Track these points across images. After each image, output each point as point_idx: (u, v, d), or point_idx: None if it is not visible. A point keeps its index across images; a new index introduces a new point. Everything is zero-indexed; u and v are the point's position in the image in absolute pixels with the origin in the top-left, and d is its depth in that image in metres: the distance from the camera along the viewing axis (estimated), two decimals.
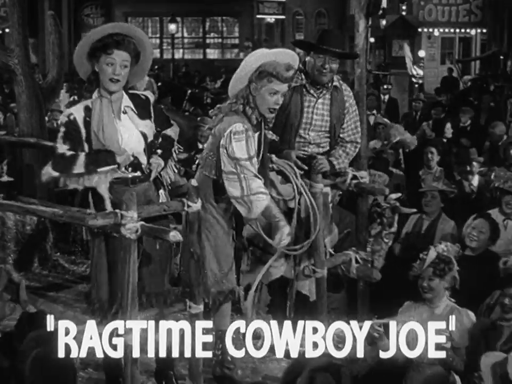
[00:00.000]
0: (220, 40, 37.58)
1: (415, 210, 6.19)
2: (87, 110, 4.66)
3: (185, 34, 37.24)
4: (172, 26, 32.83)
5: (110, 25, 4.79)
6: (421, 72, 20.80)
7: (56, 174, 4.63)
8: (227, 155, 4.80)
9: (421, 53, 32.64)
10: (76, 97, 15.49)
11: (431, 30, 33.13)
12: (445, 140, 11.05)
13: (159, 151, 4.85)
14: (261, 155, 5.03)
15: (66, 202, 6.38)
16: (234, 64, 5.10)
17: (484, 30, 32.07)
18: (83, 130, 4.63)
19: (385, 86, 17.25)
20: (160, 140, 4.89)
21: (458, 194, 8.31)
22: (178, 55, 35.58)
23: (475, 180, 8.65)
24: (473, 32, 33.63)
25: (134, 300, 4.42)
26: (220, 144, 4.84)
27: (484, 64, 28.35)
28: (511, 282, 5.23)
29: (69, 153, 4.60)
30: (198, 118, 10.52)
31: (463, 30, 33.41)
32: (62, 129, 4.64)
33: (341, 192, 6.53)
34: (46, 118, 10.98)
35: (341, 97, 5.61)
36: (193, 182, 4.75)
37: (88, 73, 4.74)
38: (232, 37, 37.57)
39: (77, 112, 4.66)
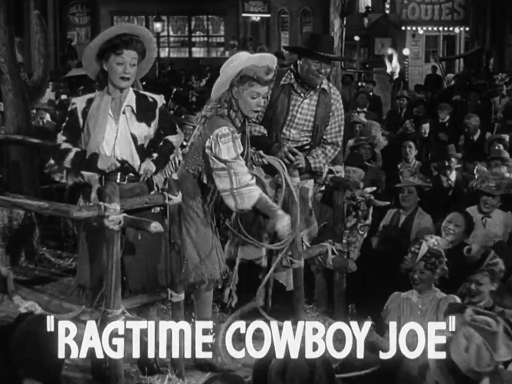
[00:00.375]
0: (205, 38, 37.68)
1: (388, 203, 6.40)
2: (89, 102, 4.87)
3: (171, 33, 37.31)
4: (158, 25, 32.85)
5: (118, 26, 5.07)
6: (396, 70, 20.94)
7: (52, 162, 4.84)
8: (215, 157, 4.99)
9: (406, 51, 32.79)
10: (65, 96, 15.67)
11: (414, 28, 33.33)
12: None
13: (155, 155, 4.95)
14: (246, 155, 5.24)
15: (53, 199, 6.56)
16: (219, 63, 5.28)
17: (467, 28, 32.30)
18: (81, 121, 4.84)
19: (360, 84, 17.47)
20: (161, 143, 5.01)
21: (435, 188, 8.54)
22: (164, 53, 35.63)
23: (453, 175, 8.86)
24: (457, 30, 33.83)
25: (117, 288, 4.61)
26: (206, 146, 5.03)
27: (467, 62, 28.62)
28: (476, 269, 5.48)
29: (64, 145, 4.80)
30: (183, 116, 10.71)
31: (447, 28, 33.64)
32: (66, 118, 4.87)
33: (323, 189, 6.77)
34: (32, 116, 11.15)
35: (328, 100, 5.85)
36: (174, 176, 4.97)
37: (96, 72, 4.93)
38: (218, 35, 37.68)
39: (79, 102, 4.87)
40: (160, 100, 5.07)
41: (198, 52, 37.36)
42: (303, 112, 5.78)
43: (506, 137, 9.78)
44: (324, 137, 5.91)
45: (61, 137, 4.83)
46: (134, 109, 4.92)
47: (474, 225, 7.05)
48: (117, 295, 4.63)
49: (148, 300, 5.03)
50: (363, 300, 6.28)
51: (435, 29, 33.81)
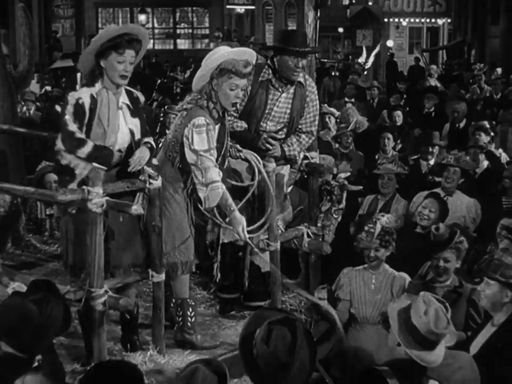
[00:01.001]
0: (190, 30, 37.77)
1: (361, 187, 6.61)
2: (93, 98, 5.04)
3: (156, 25, 37.41)
4: (142, 17, 32.97)
5: (121, 26, 5.23)
6: (368, 63, 21.14)
7: (63, 148, 5.01)
8: (188, 146, 5.23)
9: (389, 43, 33.05)
10: (48, 88, 15.79)
11: (397, 20, 33.56)
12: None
13: (148, 144, 5.21)
14: (224, 145, 5.49)
15: (40, 187, 6.74)
16: (203, 54, 5.50)
17: (450, 20, 32.58)
18: (87, 116, 5.03)
19: (333, 73, 17.68)
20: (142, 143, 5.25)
21: (412, 175, 8.79)
22: (148, 45, 35.71)
23: (432, 162, 9.08)
24: (440, 22, 34.11)
25: (100, 268, 4.84)
26: (184, 134, 5.27)
27: (449, 54, 28.87)
28: (443, 247, 5.74)
29: (79, 135, 4.97)
30: (166, 106, 10.94)
31: (430, 20, 33.89)
32: (71, 109, 5.00)
33: (299, 175, 7.00)
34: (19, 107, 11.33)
35: (304, 92, 6.08)
36: (154, 161, 5.20)
37: (88, 67, 5.15)
38: (203, 27, 37.79)
39: (85, 98, 5.03)
40: (141, 96, 5.35)
41: (182, 44, 37.45)
42: (280, 106, 6.02)
43: (485, 123, 10.03)
44: (299, 126, 6.14)
45: (73, 126, 4.98)
46: (129, 104, 5.17)
47: (449, 211, 7.24)
48: (100, 275, 4.85)
49: (130, 280, 5.25)
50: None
51: (418, 20, 34.06)
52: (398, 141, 10.37)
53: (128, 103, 5.17)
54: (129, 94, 5.22)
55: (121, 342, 5.42)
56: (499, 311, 4.98)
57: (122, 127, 5.12)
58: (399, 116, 11.50)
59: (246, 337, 3.59)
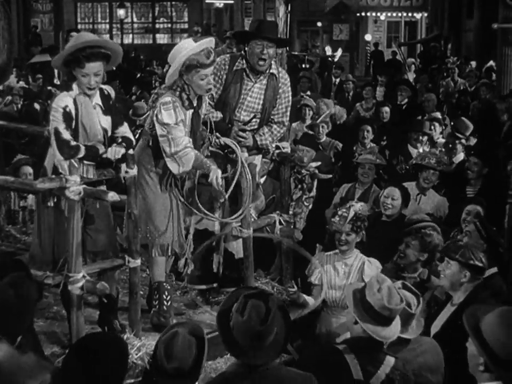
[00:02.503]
0: (169, 25, 37.77)
1: (331, 176, 6.79)
2: (75, 103, 5.27)
3: (135, 19, 37.30)
4: (121, 12, 32.99)
5: (79, 42, 5.27)
6: (337, 54, 21.40)
7: (62, 158, 5.16)
8: (158, 122, 5.51)
9: (368, 37, 33.26)
10: (24, 83, 15.87)
11: (374, 14, 33.75)
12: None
13: (123, 143, 5.46)
14: (197, 134, 5.73)
15: None
16: None
17: (426, 14, 32.82)
18: (74, 122, 5.26)
19: (303, 65, 17.83)
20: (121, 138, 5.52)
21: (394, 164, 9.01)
22: (128, 40, 35.75)
23: (421, 150, 9.20)
24: (418, 16, 34.34)
25: (78, 254, 5.03)
26: (155, 115, 5.53)
27: (425, 48, 29.06)
28: (411, 234, 6.00)
29: (73, 143, 5.21)
30: (142, 100, 11.13)
31: (408, 14, 34.11)
32: (60, 117, 5.21)
33: (272, 165, 7.21)
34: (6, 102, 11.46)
35: (276, 84, 6.28)
36: (130, 150, 5.41)
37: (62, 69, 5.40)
38: (182, 21, 37.73)
39: (70, 105, 5.25)
40: (111, 91, 5.59)
41: (162, 38, 37.39)
42: (253, 96, 6.22)
43: (438, 114, 10.30)
44: (272, 117, 6.34)
45: (67, 134, 5.20)
46: (100, 104, 5.41)
47: (410, 196, 7.44)
48: (78, 260, 5.04)
49: (107, 266, 5.43)
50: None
51: (396, 14, 34.28)
52: (384, 137, 10.52)
53: (100, 103, 5.41)
54: (101, 92, 5.44)
55: (98, 325, 5.59)
56: (458, 290, 5.22)
57: (96, 126, 5.36)
58: (386, 112, 11.41)
59: (223, 311, 3.90)
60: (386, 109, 11.45)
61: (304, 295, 6.07)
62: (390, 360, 4.22)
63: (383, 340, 4.19)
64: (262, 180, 7.46)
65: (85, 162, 5.29)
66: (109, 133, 5.44)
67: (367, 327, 4.14)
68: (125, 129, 5.58)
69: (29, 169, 7.58)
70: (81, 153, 5.19)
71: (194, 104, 5.66)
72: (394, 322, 4.21)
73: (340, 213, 6.08)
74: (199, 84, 5.57)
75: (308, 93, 13.48)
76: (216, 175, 5.50)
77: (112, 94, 5.57)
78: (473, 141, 9.77)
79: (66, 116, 5.20)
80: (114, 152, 5.33)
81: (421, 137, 9.35)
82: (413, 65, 20.68)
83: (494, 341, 3.39)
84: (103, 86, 5.53)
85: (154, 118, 5.54)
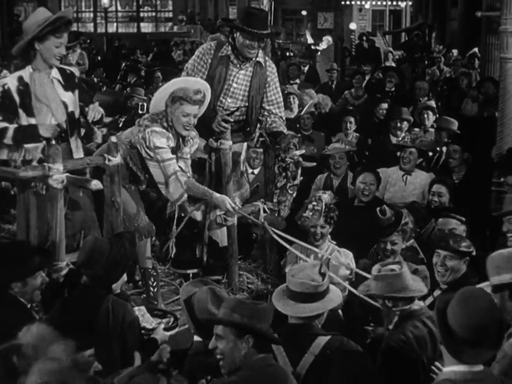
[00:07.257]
0: (153, 13, 37.66)
1: (315, 164, 6.80)
2: (21, 80, 5.26)
3: (119, 8, 37.21)
4: (105, 0, 32.79)
5: (53, 15, 5.34)
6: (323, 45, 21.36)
7: None
8: (146, 147, 5.53)
9: (352, 26, 33.21)
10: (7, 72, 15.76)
11: (359, 2, 33.74)
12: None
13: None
14: None
15: None
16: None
17: (411, 3, 32.83)
18: (17, 98, 5.23)
19: (288, 54, 17.83)
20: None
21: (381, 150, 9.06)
22: (112, 28, 35.59)
23: (401, 137, 9.19)
24: (402, 4, 34.36)
25: (61, 242, 5.03)
26: (140, 137, 5.55)
27: (409, 36, 29.07)
28: (390, 231, 5.93)
29: (0, 125, 5.16)
30: (128, 89, 11.08)
31: (393, 3, 34.12)
32: None
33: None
34: None
35: (263, 72, 6.29)
36: (113, 138, 5.39)
37: (21, 50, 5.33)
38: (166, 10, 37.65)
39: (11, 82, 5.25)
40: (75, 71, 5.68)
41: (146, 27, 37.31)
42: (238, 82, 6.23)
43: (433, 102, 10.31)
44: (268, 107, 6.35)
45: None
46: (61, 79, 5.41)
47: (381, 179, 7.55)
48: (62, 248, 5.06)
49: None
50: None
51: (380, 3, 34.29)
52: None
53: (60, 78, 5.41)
54: (61, 70, 5.46)
55: None
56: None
57: (56, 99, 5.35)
58: (384, 109, 10.75)
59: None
60: (385, 105, 10.80)
61: None
62: (321, 340, 4.19)
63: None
64: (256, 171, 7.52)
65: (25, 146, 5.26)
66: (75, 113, 5.43)
67: (285, 310, 4.25)
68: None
69: None
70: (9, 134, 5.15)
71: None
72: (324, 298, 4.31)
73: (310, 206, 6.07)
74: (180, 119, 5.57)
75: (297, 81, 13.45)
76: (227, 202, 5.61)
77: (77, 73, 5.63)
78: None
79: (3, 95, 5.20)
80: (96, 110, 5.36)
81: (399, 124, 9.28)
82: (390, 54, 20.54)
83: (452, 319, 3.34)
84: (65, 67, 5.58)
85: (142, 141, 5.53)
